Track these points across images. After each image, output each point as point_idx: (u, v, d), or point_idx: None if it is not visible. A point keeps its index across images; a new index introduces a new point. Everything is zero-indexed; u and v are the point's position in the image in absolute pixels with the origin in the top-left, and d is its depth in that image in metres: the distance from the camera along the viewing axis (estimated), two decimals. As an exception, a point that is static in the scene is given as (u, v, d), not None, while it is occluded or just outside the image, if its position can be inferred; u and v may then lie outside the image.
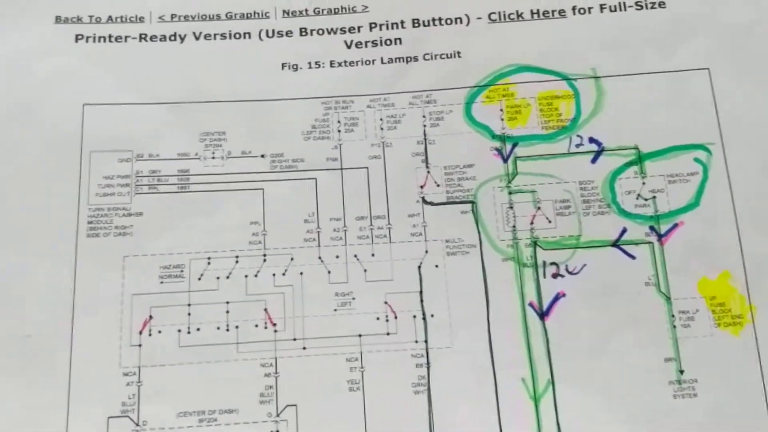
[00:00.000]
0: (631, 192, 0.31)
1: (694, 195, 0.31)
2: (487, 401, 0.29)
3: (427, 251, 0.31)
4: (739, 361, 0.29)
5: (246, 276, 0.30)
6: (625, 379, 0.29)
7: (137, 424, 0.28)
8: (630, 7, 0.33)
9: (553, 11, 0.33)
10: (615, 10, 0.33)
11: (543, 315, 0.30)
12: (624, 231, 0.31)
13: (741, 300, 0.30)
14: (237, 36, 0.33)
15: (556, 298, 0.30)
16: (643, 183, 0.31)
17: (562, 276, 0.30)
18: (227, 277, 0.30)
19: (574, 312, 0.30)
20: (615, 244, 0.31)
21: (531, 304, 0.30)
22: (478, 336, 0.30)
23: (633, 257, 0.31)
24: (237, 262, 0.30)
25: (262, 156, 0.32)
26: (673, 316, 0.30)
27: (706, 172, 0.31)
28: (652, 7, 0.33)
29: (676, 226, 0.31)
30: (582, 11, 0.33)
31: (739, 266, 0.30)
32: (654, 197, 0.31)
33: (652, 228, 0.31)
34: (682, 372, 0.29)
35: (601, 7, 0.33)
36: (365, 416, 0.29)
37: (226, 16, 0.34)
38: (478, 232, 0.31)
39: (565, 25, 0.33)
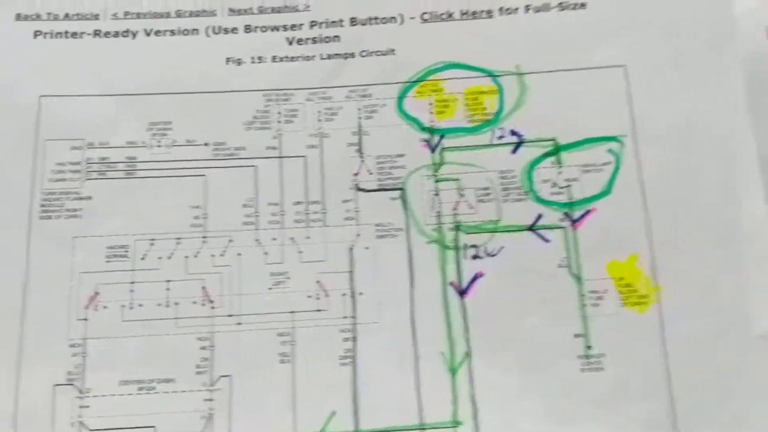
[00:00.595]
0: (548, 181, 0.34)
1: (607, 183, 0.33)
2: (407, 372, 0.31)
3: (358, 234, 0.33)
4: (644, 338, 0.32)
5: (186, 257, 0.32)
6: (537, 353, 0.32)
7: (81, 392, 0.31)
8: (553, 8, 0.36)
9: (481, 11, 0.36)
10: (539, 11, 0.36)
11: (463, 293, 0.32)
12: (540, 216, 0.33)
13: (647, 281, 0.32)
14: (185, 32, 0.36)
15: (475, 278, 0.32)
16: (559, 172, 0.34)
17: (481, 258, 0.33)
18: (169, 258, 0.32)
19: (492, 291, 0.32)
20: (531, 228, 0.33)
21: (452, 284, 0.32)
22: (402, 313, 0.32)
23: (547, 240, 0.33)
24: (178, 243, 0.33)
25: (206, 144, 0.34)
26: (583, 295, 0.32)
27: (618, 163, 0.34)
28: (573, 8, 0.35)
29: (589, 212, 0.33)
30: (508, 11, 0.36)
31: (646, 250, 0.33)
32: (569, 185, 0.33)
33: (566, 214, 0.33)
34: (590, 347, 0.32)
35: (526, 8, 0.36)
36: (294, 386, 0.31)
37: (176, 13, 0.36)
38: (406, 217, 0.33)
39: (492, 24, 0.35)
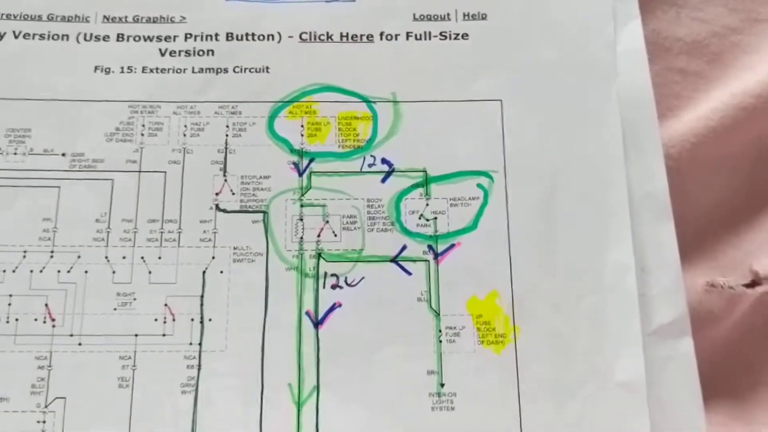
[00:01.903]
0: (415, 212, 0.33)
1: (473, 219, 0.33)
2: (251, 403, 0.30)
3: (214, 257, 0.32)
4: (498, 378, 0.31)
5: (31, 271, 0.31)
6: (388, 389, 0.31)
7: None
8: (435, 36, 0.35)
9: (361, 35, 0.35)
10: (420, 39, 0.35)
11: (318, 324, 0.31)
12: (404, 248, 0.32)
13: (506, 320, 0.32)
14: (55, 37, 0.34)
15: (332, 308, 0.32)
16: (427, 204, 0.33)
17: (341, 287, 0.32)
18: (13, 271, 0.31)
19: (348, 322, 0.31)
20: (394, 259, 0.32)
21: (308, 313, 0.32)
22: (251, 341, 0.31)
23: (409, 273, 0.32)
24: (24, 257, 0.31)
25: (63, 155, 0.33)
26: (440, 331, 0.31)
27: (486, 198, 0.33)
28: (455, 38, 0.35)
29: (452, 246, 0.32)
30: (389, 37, 0.35)
31: (507, 288, 0.32)
32: (435, 218, 0.33)
33: (430, 247, 0.32)
34: (443, 385, 0.31)
35: (407, 35, 0.35)
36: (131, 412, 0.30)
37: (48, 17, 0.35)
38: (267, 241, 0.32)
39: (372, 49, 0.35)
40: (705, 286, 0.33)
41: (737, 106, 0.34)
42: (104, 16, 0.35)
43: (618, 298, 0.32)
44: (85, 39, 0.34)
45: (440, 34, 0.35)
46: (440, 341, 0.31)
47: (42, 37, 0.34)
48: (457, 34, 0.35)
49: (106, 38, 0.34)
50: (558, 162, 0.33)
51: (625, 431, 0.31)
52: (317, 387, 0.31)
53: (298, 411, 0.30)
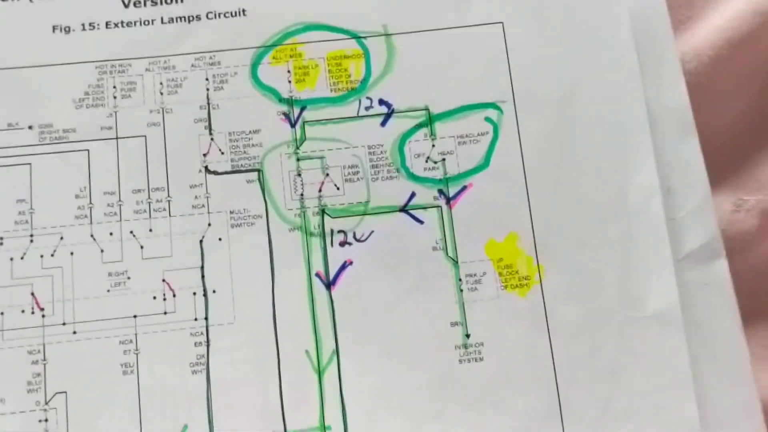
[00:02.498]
0: (421, 155, 0.30)
1: (484, 156, 0.30)
2: (269, 376, 0.28)
3: (209, 224, 0.29)
4: (526, 322, 0.29)
5: (11, 259, 0.28)
6: (411, 346, 0.29)
7: None
8: (424, -42, 0.32)
9: (343, -36, 0.32)
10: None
11: (329, 285, 0.29)
12: (413, 195, 0.30)
13: (528, 261, 0.30)
14: (4, -3, 0.31)
15: (343, 267, 0.29)
16: (433, 145, 0.30)
17: (349, 244, 0.30)
18: (-8, 261, 0.28)
19: (361, 280, 0.29)
20: (403, 209, 0.30)
21: (318, 275, 0.29)
22: (261, 310, 0.29)
23: (421, 222, 0.30)
24: (1, 244, 0.28)
25: (30, 127, 0.30)
26: (460, 280, 0.29)
27: (496, 132, 0.30)
28: (445, -41, 0.32)
29: (465, 188, 0.30)
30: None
31: (527, 227, 0.30)
32: (443, 159, 0.30)
33: (440, 191, 0.30)
34: (468, 336, 0.29)
35: (394, -40, 0.32)
36: (139, 400, 0.28)
37: (-8, -26, 0.31)
38: (265, 202, 0.30)
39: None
40: (733, 207, 0.31)
41: (754, 11, 0.31)
42: (56, -32, 0.31)
43: (645, 224, 0.30)
44: (37, -4, 0.31)
45: (429, -46, 0.32)
46: (461, 290, 0.29)
47: (-12, -2, 0.31)
48: (447, -47, 0.32)
49: (61, -7, 0.31)
50: (570, 84, 0.31)
51: (663, 363, 0.29)
52: (336, 351, 0.29)
53: (320, 378, 0.28)
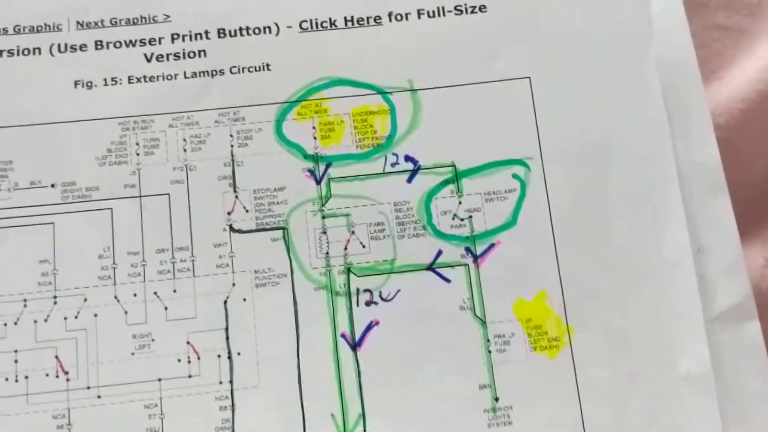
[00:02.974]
0: (447, 212, 0.30)
1: (512, 213, 0.30)
2: (295, 440, 0.28)
3: (234, 284, 0.29)
4: (556, 385, 0.29)
5: (35, 321, 0.28)
6: (439, 409, 0.28)
7: None
8: (449, 11, 0.31)
9: (368, 18, 0.31)
10: (433, 16, 0.31)
11: (355, 346, 0.29)
12: (440, 253, 0.30)
13: (558, 321, 0.29)
14: (26, 52, 0.30)
15: (369, 327, 0.29)
16: (460, 202, 0.30)
17: (375, 303, 0.29)
18: (15, 323, 0.28)
19: (388, 341, 0.29)
20: (430, 267, 0.30)
21: (344, 335, 0.29)
22: (286, 372, 0.28)
23: (448, 280, 0.29)
24: (25, 306, 0.28)
25: (53, 186, 0.29)
26: (488, 340, 0.29)
27: (524, 189, 0.30)
28: (472, 12, 0.31)
29: (492, 246, 0.30)
30: (399, 17, 0.31)
31: (556, 286, 0.29)
32: (470, 216, 0.30)
33: (467, 249, 0.30)
34: (497, 399, 0.29)
35: (419, 13, 0.31)
36: (165, 465, 0.27)
37: (14, 29, 0.31)
38: (290, 261, 0.29)
39: (380, 33, 0.31)
40: (765, 261, 0.31)
41: (786, 62, 0.31)
42: (77, 22, 0.31)
43: (676, 284, 0.29)
44: (59, 50, 0.31)
45: (455, 8, 0.31)
46: (489, 351, 0.29)
47: (10, 53, 0.30)
48: (474, 7, 0.32)
49: (83, 47, 0.31)
50: (598, 140, 0.30)
51: (695, 426, 0.29)
52: (362, 414, 0.28)
53: (346, 443, 0.28)
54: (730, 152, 0.30)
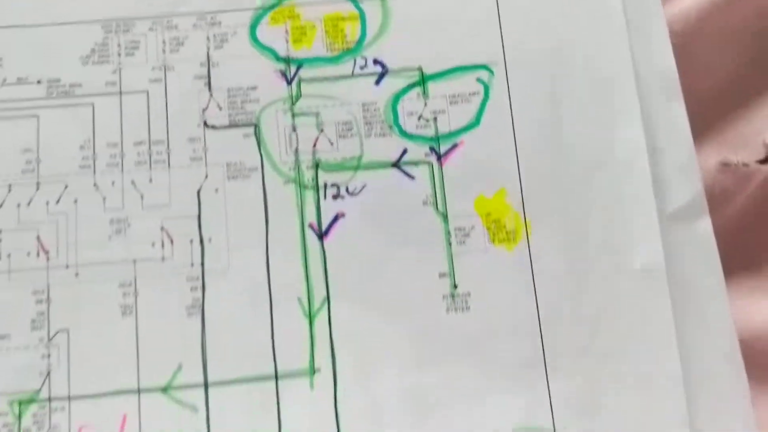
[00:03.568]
0: (413, 113, 0.31)
1: (475, 115, 0.31)
2: (261, 320, 0.29)
3: (207, 176, 0.31)
4: (513, 275, 0.30)
5: (18, 205, 0.30)
6: (401, 295, 0.30)
7: None
8: None
9: (343, -72, 0.33)
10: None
11: (322, 236, 0.30)
12: (405, 152, 0.31)
13: (516, 216, 0.31)
14: (16, -42, 0.32)
15: (336, 219, 0.30)
16: (425, 104, 0.31)
17: (342, 197, 0.31)
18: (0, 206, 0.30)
19: (353, 232, 0.30)
20: (395, 164, 0.31)
21: (311, 225, 0.30)
22: (255, 258, 0.30)
23: (412, 177, 0.31)
24: (9, 191, 0.30)
25: (38, 82, 0.31)
26: (449, 233, 0.30)
27: (487, 93, 0.31)
28: None
29: (455, 146, 0.31)
30: (373, -73, 0.33)
31: (515, 184, 0.31)
32: (435, 118, 0.31)
33: (432, 149, 0.31)
34: (456, 287, 0.30)
35: None
36: (137, 339, 0.29)
37: (4, -64, 0.32)
38: (261, 156, 0.31)
39: (352, -57, 0.33)
40: (718, 165, 0.32)
41: (740, -27, 0.32)
42: (66, -68, 0.32)
43: (631, 182, 0.31)
44: (48, -42, 0.32)
45: None
46: (450, 243, 0.30)
47: (2, -41, 0.32)
48: None
49: (69, -45, 0.32)
50: (559, 46, 0.32)
51: (647, 317, 0.30)
52: (328, 299, 0.30)
53: (311, 324, 0.29)
54: (685, 58, 0.31)
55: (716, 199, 0.32)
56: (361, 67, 0.32)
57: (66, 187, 0.30)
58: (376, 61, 0.32)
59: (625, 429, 0.29)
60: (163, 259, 0.30)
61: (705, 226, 0.31)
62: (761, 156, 0.32)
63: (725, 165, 0.32)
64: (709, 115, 0.32)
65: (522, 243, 0.30)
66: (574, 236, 0.30)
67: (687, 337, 0.30)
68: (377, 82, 0.31)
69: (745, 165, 0.32)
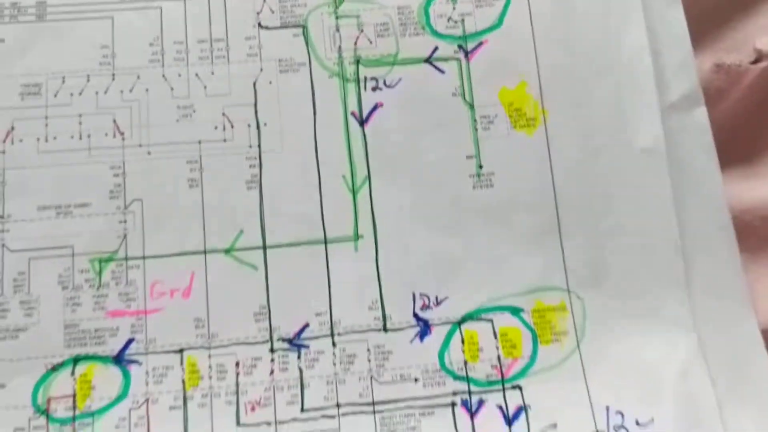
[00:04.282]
0: (443, 15, 0.35)
1: (498, 17, 0.35)
2: (311, 194, 0.33)
3: (261, 69, 0.35)
4: (532, 158, 0.34)
5: (96, 92, 0.34)
6: (432, 174, 0.34)
7: (2, 217, 0.32)
8: None
9: None
10: None
11: (362, 123, 0.34)
12: (436, 49, 0.35)
13: (535, 105, 0.35)
14: None
15: (374, 108, 0.34)
16: (454, 8, 0.35)
17: (380, 89, 0.35)
18: (80, 94, 0.34)
19: (390, 119, 0.34)
20: (427, 60, 0.35)
21: (353, 113, 0.34)
22: (305, 141, 0.34)
23: (442, 72, 0.35)
24: (88, 81, 0.34)
25: (113, -12, 0.35)
26: (475, 120, 0.34)
27: (509, -2, 0.35)
28: None
29: (481, 44, 0.35)
30: None
31: (534, 76, 0.35)
32: (462, 20, 0.35)
33: (459, 46, 0.35)
34: (481, 167, 0.34)
35: None
36: (203, 207, 0.33)
37: None
38: (308, 53, 0.35)
39: None
40: (713, 67, 0.36)
41: None
42: None
43: (635, 75, 0.35)
44: None
45: None
46: (476, 129, 0.34)
47: None
48: None
49: None
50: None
51: (649, 193, 0.34)
52: (368, 176, 0.34)
53: (354, 197, 0.33)
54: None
55: (711, 97, 0.36)
56: (397, -24, 0.36)
57: (138, 77, 0.34)
58: (410, -30, 0.36)
59: (630, 290, 0.33)
60: (224, 140, 0.34)
61: (701, 114, 0.35)
62: (752, 58, 0.36)
63: (719, 66, 0.36)
64: (705, 22, 0.36)
65: (540, 129, 0.34)
66: (585, 123, 0.34)
67: (684, 212, 0.34)
68: (411, -11, 0.35)
69: (738, 66, 0.36)
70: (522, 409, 0.32)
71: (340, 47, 0.35)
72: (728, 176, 0.35)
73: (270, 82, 0.34)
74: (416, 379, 0.32)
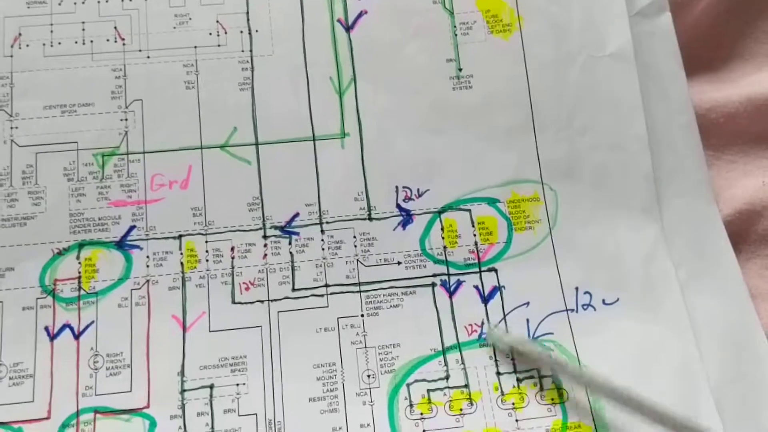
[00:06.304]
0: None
1: (477, -66, 0.37)
2: (300, 94, 0.36)
3: (253, -20, 0.37)
4: (508, 61, 0.36)
5: (98, 1, 0.36)
6: (414, 76, 0.36)
7: (11, 116, 0.34)
8: None
9: None
10: None
11: (349, 29, 0.36)
12: (418, -38, 0.37)
13: (511, 12, 0.37)
14: None
15: (360, 15, 0.37)
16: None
17: (365, -3, 0.37)
18: (83, 3, 0.36)
19: (375, 26, 0.37)
20: (410, -28, 0.37)
21: (339, 20, 0.37)
22: (294, 45, 0.36)
23: (424, -19, 0.37)
24: (89, -10, 0.36)
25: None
26: (455, 26, 0.37)
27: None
28: None
29: (460, -43, 0.37)
30: None
31: (510, -14, 0.37)
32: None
33: (440, -43, 0.37)
34: (460, 70, 0.36)
35: None
36: (199, 107, 0.35)
37: None
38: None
39: None
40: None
41: None
42: None
43: (606, -13, 0.37)
44: None
45: None
46: (456, 35, 0.36)
47: None
48: None
49: None
50: None
51: (619, 95, 0.36)
52: (354, 78, 0.36)
53: (340, 98, 0.36)
54: None
55: (678, 6, 0.38)
56: None
57: (137, -13, 0.36)
58: None
59: (600, 183, 0.35)
60: (219, 45, 0.36)
61: (666, 20, 0.37)
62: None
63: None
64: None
65: (516, 34, 0.37)
66: (558, 29, 0.37)
67: (651, 112, 0.36)
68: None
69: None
70: (497, 289, 0.34)
71: (327, -45, 0.37)
72: (695, 81, 0.37)
73: None
74: (399, 263, 0.34)
